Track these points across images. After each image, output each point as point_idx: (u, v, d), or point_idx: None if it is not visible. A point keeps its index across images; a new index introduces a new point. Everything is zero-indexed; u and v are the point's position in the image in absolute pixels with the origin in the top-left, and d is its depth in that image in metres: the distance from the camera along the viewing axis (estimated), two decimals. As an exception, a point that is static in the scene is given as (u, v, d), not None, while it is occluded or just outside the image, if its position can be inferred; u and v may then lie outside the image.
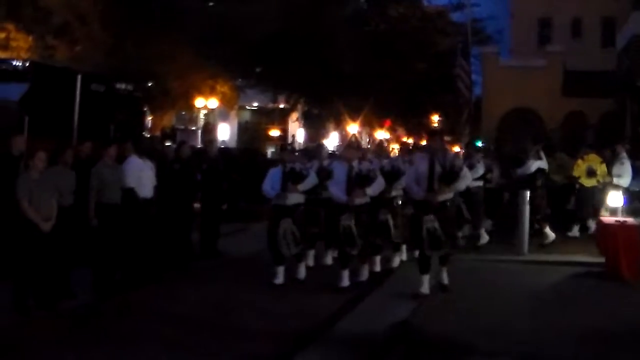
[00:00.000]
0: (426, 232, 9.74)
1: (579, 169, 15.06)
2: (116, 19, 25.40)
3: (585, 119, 35.11)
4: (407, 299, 9.78)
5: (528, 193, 13.74)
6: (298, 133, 38.74)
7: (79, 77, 14.40)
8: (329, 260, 12.34)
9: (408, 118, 38.50)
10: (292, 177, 10.86)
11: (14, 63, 14.58)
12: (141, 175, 10.95)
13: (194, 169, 13.04)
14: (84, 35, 25.20)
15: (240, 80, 32.83)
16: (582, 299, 10.24)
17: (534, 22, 44.43)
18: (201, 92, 29.84)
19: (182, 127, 33.70)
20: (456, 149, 31.66)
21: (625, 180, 14.77)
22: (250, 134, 40.69)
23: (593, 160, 15.05)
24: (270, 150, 35.65)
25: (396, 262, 12.41)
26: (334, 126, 39.08)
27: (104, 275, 10.14)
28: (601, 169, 14.87)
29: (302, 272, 11.28)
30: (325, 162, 12.01)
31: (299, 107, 37.01)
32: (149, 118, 24.06)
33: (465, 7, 32.31)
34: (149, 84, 26.69)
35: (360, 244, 10.55)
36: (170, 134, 28.28)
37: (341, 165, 10.99)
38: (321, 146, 14.43)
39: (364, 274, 11.16)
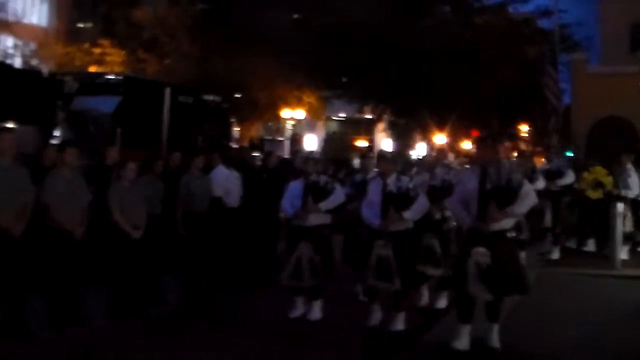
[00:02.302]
0: (473, 268, 7.41)
1: (585, 181, 14.94)
2: (203, 32, 26.08)
3: (683, 128, 33.80)
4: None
5: (622, 205, 13.57)
6: (385, 143, 38.69)
7: (168, 89, 14.83)
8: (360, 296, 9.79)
9: (495, 128, 37.94)
10: (313, 193, 9.05)
11: (108, 77, 15.12)
12: (228, 185, 11.18)
13: (280, 179, 13.16)
14: (173, 49, 26.02)
15: (326, 90, 33.08)
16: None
17: (625, 28, 43.18)
18: (288, 103, 30.21)
19: (270, 137, 34.13)
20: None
21: (635, 191, 14.61)
22: (338, 144, 40.86)
23: (599, 172, 14.97)
24: (356, 161, 35.72)
25: (442, 302, 9.83)
26: (420, 136, 38.86)
27: (191, 282, 10.36)
28: (607, 180, 14.77)
29: (316, 312, 9.09)
30: (371, 176, 9.92)
31: (385, 117, 36.97)
32: (237, 129, 24.49)
33: (552, 14, 31.62)
34: (236, 95, 27.19)
35: (398, 282, 8.37)
36: (258, 144, 28.68)
37: (376, 181, 8.90)
38: (367, 156, 11.65)
39: (399, 324, 8.59)
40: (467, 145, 38.50)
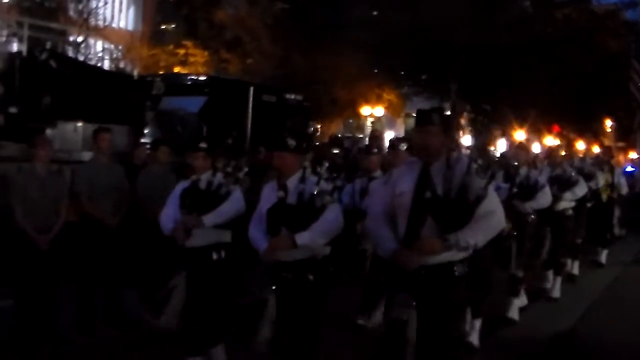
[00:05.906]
0: (389, 327, 4.41)
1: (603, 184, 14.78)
2: (284, 31, 26.55)
3: None
4: (574, 306, 9.51)
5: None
6: (464, 140, 38.49)
7: (251, 88, 15.23)
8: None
9: (577, 123, 37.28)
10: (196, 200, 6.10)
11: (193, 78, 15.62)
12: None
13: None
14: (254, 48, 26.58)
15: (406, 87, 33.18)
16: None
17: None
18: (368, 100, 30.45)
19: (350, 134, 34.45)
20: (633, 155, 29.85)
21: (624, 189, 14.63)
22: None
23: (606, 174, 14.89)
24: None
25: None
26: (500, 133, 38.48)
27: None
28: (610, 181, 14.65)
29: None
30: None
31: (465, 114, 36.77)
32: (318, 126, 24.86)
33: (637, 5, 30.79)
34: (317, 93, 27.60)
35: (282, 340, 5.13)
36: (338, 141, 28.99)
37: (271, 186, 5.45)
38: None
39: None
40: (548, 141, 37.97)
